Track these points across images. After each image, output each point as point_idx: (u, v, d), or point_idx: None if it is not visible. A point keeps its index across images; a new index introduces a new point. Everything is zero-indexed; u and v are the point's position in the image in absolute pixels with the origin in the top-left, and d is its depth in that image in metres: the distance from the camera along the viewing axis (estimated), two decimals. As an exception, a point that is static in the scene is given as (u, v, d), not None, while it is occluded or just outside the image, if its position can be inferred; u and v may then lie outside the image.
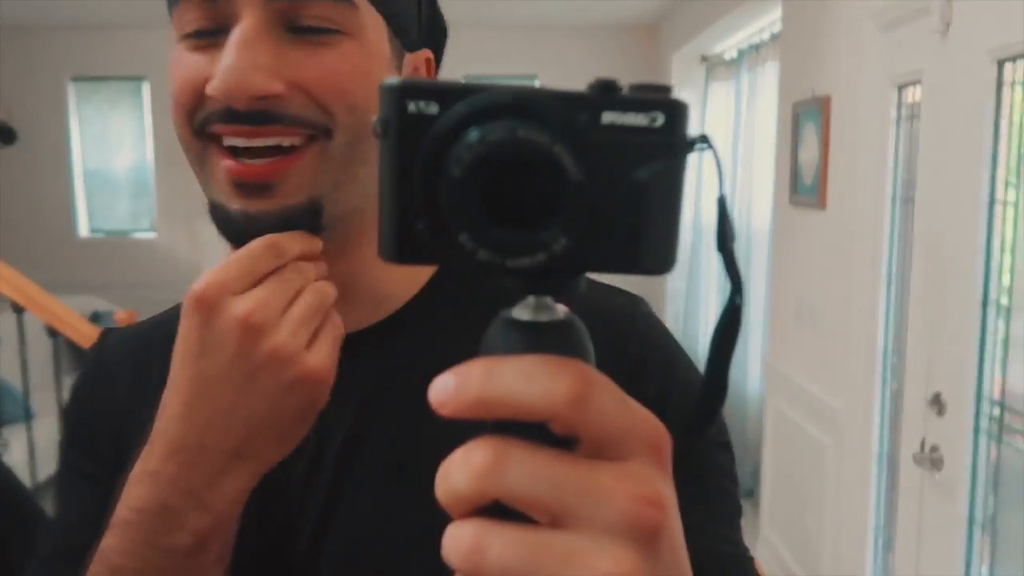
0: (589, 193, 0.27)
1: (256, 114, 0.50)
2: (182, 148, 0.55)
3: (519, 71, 5.20)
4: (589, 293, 0.61)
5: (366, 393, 0.59)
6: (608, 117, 0.28)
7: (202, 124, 0.52)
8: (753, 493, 3.51)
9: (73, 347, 2.64)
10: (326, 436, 0.58)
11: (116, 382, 0.66)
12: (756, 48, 3.76)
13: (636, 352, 0.60)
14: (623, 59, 5.24)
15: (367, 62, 0.53)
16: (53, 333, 2.56)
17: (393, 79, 0.29)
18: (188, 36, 0.52)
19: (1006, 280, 1.70)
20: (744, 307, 0.33)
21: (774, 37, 3.42)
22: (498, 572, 0.27)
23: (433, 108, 0.28)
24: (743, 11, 3.48)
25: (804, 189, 2.70)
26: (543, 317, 0.30)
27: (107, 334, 0.70)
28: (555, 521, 0.27)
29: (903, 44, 2.10)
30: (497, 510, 0.28)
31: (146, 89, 5.32)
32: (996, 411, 1.72)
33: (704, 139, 0.30)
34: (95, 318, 4.46)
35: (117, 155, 5.48)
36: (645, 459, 0.28)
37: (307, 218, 0.52)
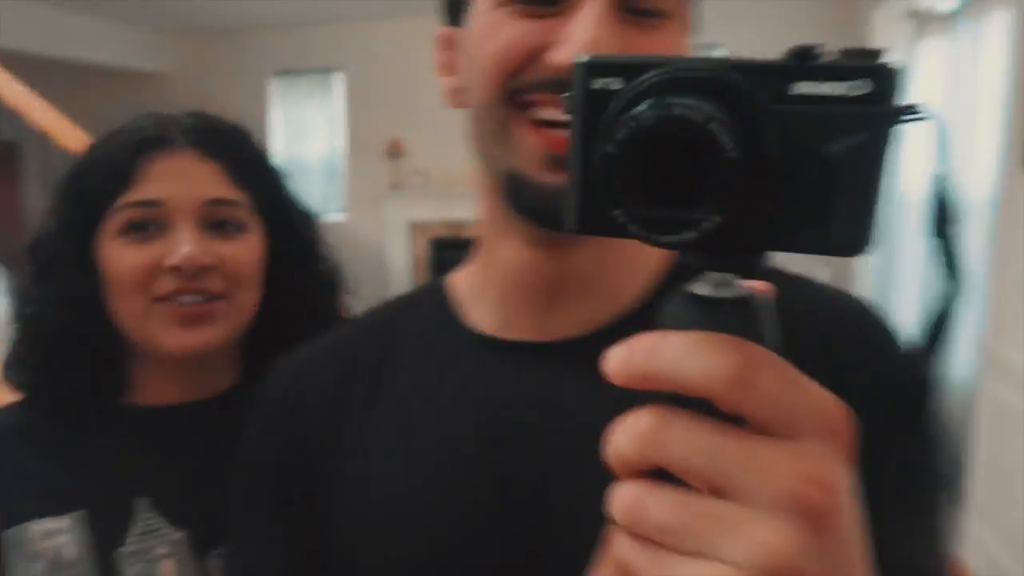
0: (750, 171, 0.26)
1: None
2: (477, 113, 0.55)
3: (705, 40, 4.98)
4: (820, 290, 0.57)
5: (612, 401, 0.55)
6: (801, 87, 0.27)
7: (514, 91, 0.52)
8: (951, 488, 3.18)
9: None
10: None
11: (305, 416, 0.62)
12: (979, -2, 3.34)
13: (858, 342, 0.55)
14: (816, 22, 4.88)
15: (686, 42, 0.55)
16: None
17: (583, 56, 0.29)
18: (516, 1, 0.51)
19: None
20: (961, 298, 0.31)
21: (1003, -17, 3.01)
22: (655, 529, 0.28)
23: (617, 84, 0.28)
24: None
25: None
26: (722, 293, 0.30)
27: (277, 370, 0.67)
28: (716, 492, 0.27)
29: None
30: (662, 477, 0.28)
31: (337, 80, 5.63)
32: None
33: (913, 108, 0.27)
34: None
35: (311, 143, 5.85)
36: (819, 440, 0.28)
37: None
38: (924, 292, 3.88)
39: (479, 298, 0.62)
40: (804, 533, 0.26)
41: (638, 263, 0.59)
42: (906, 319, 4.12)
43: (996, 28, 3.09)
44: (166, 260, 0.77)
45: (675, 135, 0.26)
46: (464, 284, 0.64)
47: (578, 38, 0.49)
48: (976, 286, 3.29)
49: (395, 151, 5.47)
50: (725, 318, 0.29)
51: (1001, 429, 2.69)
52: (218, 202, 0.80)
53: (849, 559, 0.28)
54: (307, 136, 5.85)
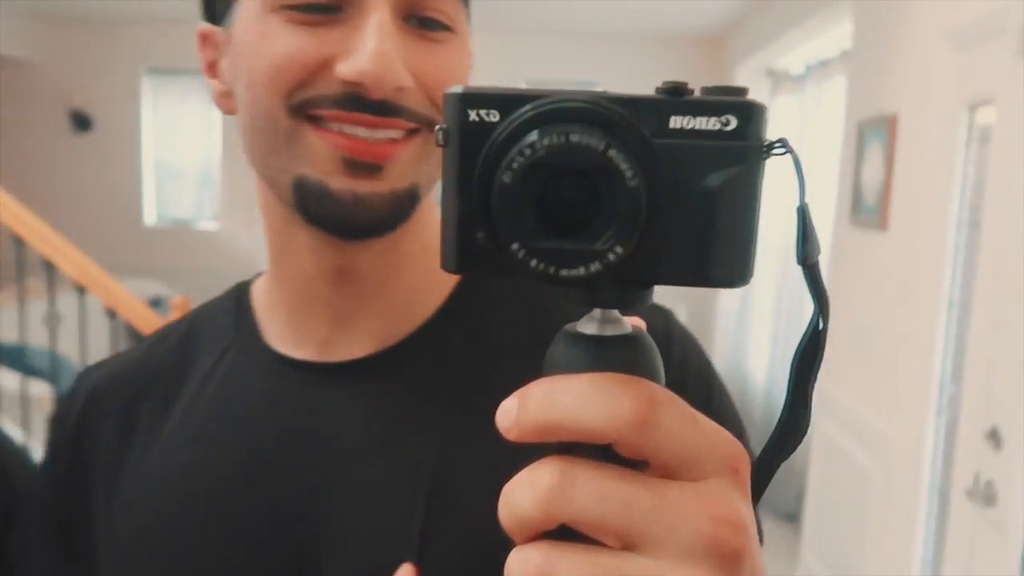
0: (647, 199, 0.26)
1: (387, 105, 0.49)
2: (258, 124, 0.50)
3: (580, 78, 5.20)
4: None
5: (421, 411, 0.55)
6: (677, 121, 0.27)
7: (303, 104, 0.49)
8: (795, 518, 3.42)
9: (130, 328, 2.73)
10: (410, 471, 0.53)
11: (92, 437, 0.60)
12: (823, 63, 3.69)
13: (674, 377, 0.53)
14: (686, 70, 5.19)
15: (466, 60, 0.54)
16: (112, 314, 2.65)
17: (456, 87, 0.28)
18: (293, 8, 0.48)
19: (1075, 313, 1.63)
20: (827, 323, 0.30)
21: (843, 54, 3.35)
22: None
23: (494, 116, 0.27)
24: (812, 25, 3.42)
25: (866, 209, 2.63)
26: (608, 331, 0.29)
27: (73, 388, 0.63)
28: (627, 545, 0.26)
29: (977, 64, 2.03)
30: (564, 535, 0.26)
31: (216, 83, 5.47)
32: (1058, 449, 1.65)
33: (782, 143, 0.28)
34: (155, 303, 4.60)
35: (185, 147, 5.65)
36: (722, 479, 0.27)
37: (409, 205, 0.52)
38: (775, 332, 4.12)
39: (272, 313, 0.60)
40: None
41: (430, 275, 0.58)
42: (759, 358, 4.40)
43: (835, 92, 3.42)
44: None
45: (574, 163, 0.25)
46: (261, 296, 0.62)
47: (368, 49, 0.47)
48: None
49: (274, 161, 5.36)
50: (617, 357, 0.28)
51: (829, 463, 2.91)
52: None
53: None
54: (181, 139, 5.64)
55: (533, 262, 0.26)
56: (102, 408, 0.60)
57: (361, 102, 0.48)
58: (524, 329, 0.57)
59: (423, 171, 0.52)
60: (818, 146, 3.61)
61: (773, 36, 3.94)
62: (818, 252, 0.29)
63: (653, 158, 0.26)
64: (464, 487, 0.52)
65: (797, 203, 0.29)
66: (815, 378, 0.30)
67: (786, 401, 0.31)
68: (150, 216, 5.68)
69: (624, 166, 0.25)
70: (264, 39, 0.49)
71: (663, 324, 0.59)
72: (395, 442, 0.54)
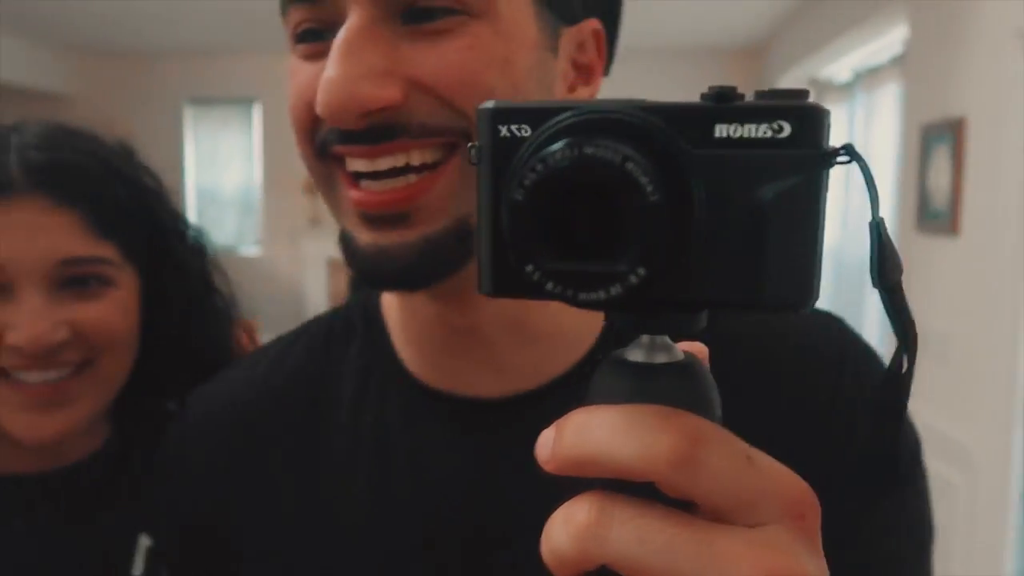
0: (674, 216, 0.23)
1: (374, 130, 0.42)
2: (310, 172, 0.48)
3: (617, 94, 5.15)
4: (784, 325, 0.50)
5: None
6: (722, 130, 0.24)
7: (323, 144, 0.45)
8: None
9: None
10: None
11: (219, 476, 0.55)
12: (873, 70, 3.59)
13: (847, 401, 0.48)
14: (726, 82, 5.11)
15: (503, 47, 0.43)
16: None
17: (488, 103, 0.27)
18: (298, 40, 0.45)
19: None
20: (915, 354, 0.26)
21: (895, 58, 3.25)
22: None
23: (526, 131, 0.26)
24: (862, 31, 3.33)
25: (934, 214, 2.55)
26: (657, 359, 0.27)
27: (180, 429, 0.59)
28: None
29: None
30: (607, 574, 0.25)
31: (256, 110, 5.54)
32: None
33: (847, 149, 0.25)
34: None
35: (226, 174, 5.71)
36: (782, 526, 0.24)
37: (454, 245, 0.44)
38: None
39: (406, 338, 0.54)
40: None
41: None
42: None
43: (887, 98, 3.33)
44: (7, 336, 0.63)
45: (589, 178, 0.23)
46: (393, 315, 0.55)
47: (322, 80, 0.41)
48: (876, 339, 3.47)
49: (313, 186, 5.40)
50: (661, 388, 0.26)
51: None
52: (75, 261, 0.65)
53: None
54: (223, 167, 5.71)
55: (549, 285, 0.24)
56: (225, 440, 0.55)
57: (349, 134, 0.43)
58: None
59: (471, 196, 0.45)
60: (872, 154, 3.51)
61: (818, 44, 3.86)
62: (900, 272, 0.26)
63: (687, 170, 0.24)
64: None
65: (871, 217, 0.26)
66: (904, 416, 0.27)
67: (875, 438, 0.28)
68: (193, 244, 5.75)
69: (643, 180, 0.23)
70: (291, 77, 0.46)
71: (839, 340, 0.51)
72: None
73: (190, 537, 0.56)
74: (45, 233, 0.64)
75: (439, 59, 0.42)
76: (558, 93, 0.47)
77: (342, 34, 0.41)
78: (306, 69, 0.44)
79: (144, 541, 0.71)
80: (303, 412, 0.54)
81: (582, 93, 0.50)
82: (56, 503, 0.71)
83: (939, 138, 2.50)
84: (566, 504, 0.25)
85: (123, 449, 0.74)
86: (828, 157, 0.24)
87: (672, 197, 0.23)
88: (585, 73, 0.50)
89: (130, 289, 0.69)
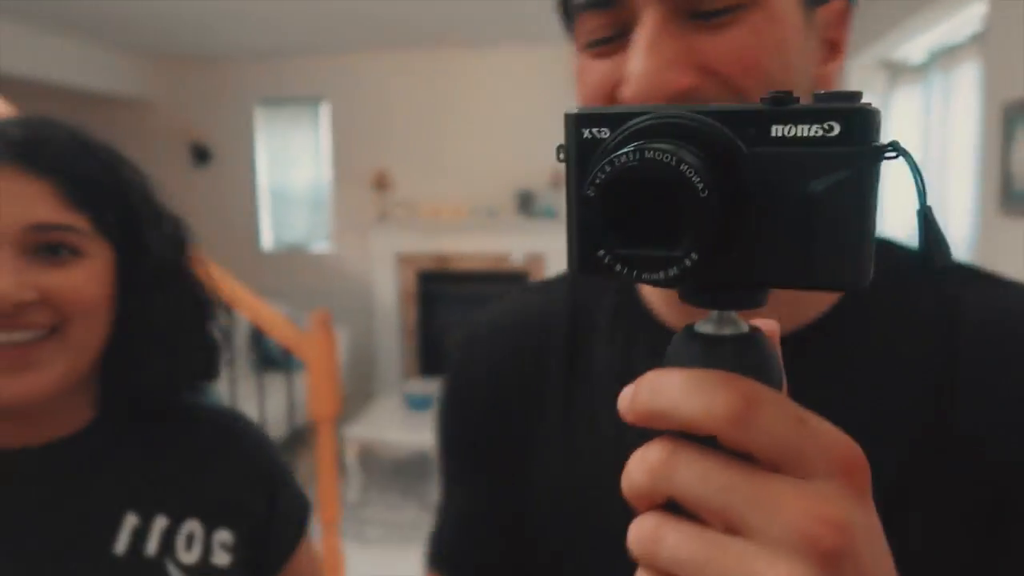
0: (724, 208, 0.27)
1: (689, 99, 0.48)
2: None
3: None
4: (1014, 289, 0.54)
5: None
6: (778, 130, 0.28)
7: None
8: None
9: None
10: None
11: (495, 380, 0.65)
12: (950, 49, 3.45)
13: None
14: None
15: (777, 31, 0.48)
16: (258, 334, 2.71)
17: (572, 109, 0.31)
18: (590, 45, 0.51)
19: None
20: None
21: (972, 38, 3.12)
22: (670, 564, 0.28)
23: (605, 132, 0.30)
24: (934, 10, 3.21)
25: (1019, 196, 2.44)
26: (724, 331, 0.31)
27: (470, 335, 0.70)
28: (729, 529, 0.27)
29: None
30: (678, 511, 0.29)
31: (324, 109, 5.67)
32: None
33: (894, 146, 0.28)
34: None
35: (296, 172, 5.87)
36: (831, 481, 0.28)
37: None
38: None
39: (652, 288, 0.59)
40: (818, 574, 0.26)
41: None
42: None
43: (966, 78, 3.20)
44: None
45: (649, 177, 0.27)
46: None
47: (632, 73, 0.48)
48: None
49: (381, 182, 5.50)
50: (725, 355, 0.30)
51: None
52: (45, 227, 0.68)
53: None
54: (293, 165, 5.86)
55: (617, 266, 0.29)
56: (507, 353, 0.65)
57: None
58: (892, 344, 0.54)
59: None
60: (951, 135, 3.38)
61: (889, 25, 3.73)
62: (950, 255, 0.29)
63: (741, 167, 0.28)
64: None
65: (917, 207, 0.29)
66: None
67: None
68: (267, 241, 5.93)
69: (695, 179, 0.27)
70: (581, 75, 0.53)
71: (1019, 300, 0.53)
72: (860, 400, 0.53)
73: (474, 421, 0.66)
74: (18, 200, 0.67)
75: (726, 47, 0.47)
76: (812, 69, 0.52)
77: (643, 32, 0.47)
78: (598, 66, 0.51)
79: (131, 519, 0.74)
80: (567, 335, 0.64)
81: (831, 67, 0.54)
82: (37, 479, 0.73)
83: (1022, 117, 2.40)
84: (643, 447, 0.30)
85: (106, 429, 0.77)
86: (875, 153, 0.27)
87: (725, 192, 0.27)
88: (833, 49, 0.55)
89: (103, 260, 0.72)
